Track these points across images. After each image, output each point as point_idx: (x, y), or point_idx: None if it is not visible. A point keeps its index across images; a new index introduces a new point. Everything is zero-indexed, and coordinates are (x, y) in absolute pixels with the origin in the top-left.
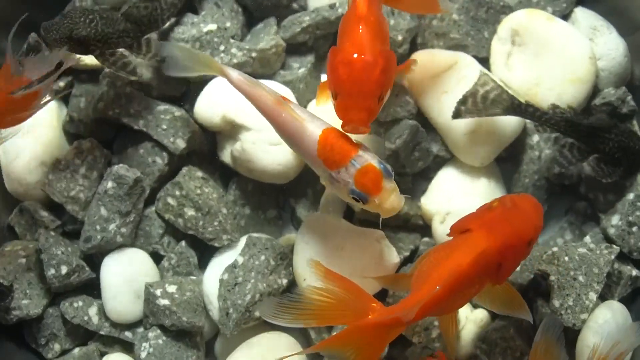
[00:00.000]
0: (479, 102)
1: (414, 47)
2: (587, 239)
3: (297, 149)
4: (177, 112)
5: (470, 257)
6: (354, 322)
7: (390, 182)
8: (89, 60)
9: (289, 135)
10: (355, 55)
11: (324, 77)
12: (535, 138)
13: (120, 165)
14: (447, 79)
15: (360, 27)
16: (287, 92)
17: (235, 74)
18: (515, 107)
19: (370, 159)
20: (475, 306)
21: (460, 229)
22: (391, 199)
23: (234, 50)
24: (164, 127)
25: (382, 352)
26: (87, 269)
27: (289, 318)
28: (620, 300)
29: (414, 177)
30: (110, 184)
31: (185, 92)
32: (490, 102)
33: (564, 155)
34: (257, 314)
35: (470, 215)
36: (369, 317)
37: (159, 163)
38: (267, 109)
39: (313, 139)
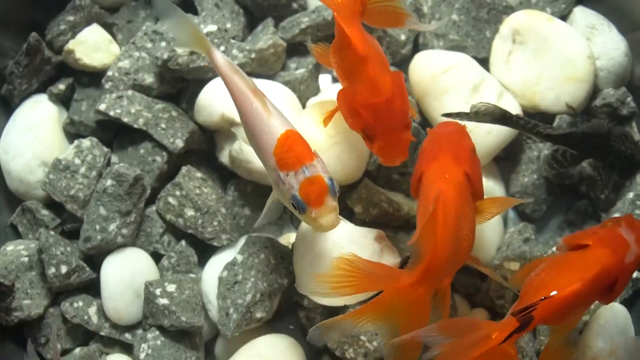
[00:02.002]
0: (471, 115)
1: (416, 47)
2: None
3: (255, 141)
4: (175, 111)
5: (446, 185)
6: (388, 285)
7: (333, 201)
8: (89, 61)
9: (253, 125)
10: (375, 97)
11: (322, 78)
12: (534, 138)
13: (121, 164)
14: (447, 79)
15: (367, 67)
16: (287, 93)
17: (220, 55)
18: (507, 118)
19: (321, 172)
20: (474, 305)
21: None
22: (328, 217)
23: (234, 52)
24: (163, 126)
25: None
26: (87, 269)
27: (327, 291)
28: (621, 302)
29: None
30: (109, 182)
31: (184, 91)
32: (482, 114)
33: (556, 159)
34: (258, 314)
35: (414, 184)
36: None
37: (159, 161)
38: (242, 95)
39: (274, 134)
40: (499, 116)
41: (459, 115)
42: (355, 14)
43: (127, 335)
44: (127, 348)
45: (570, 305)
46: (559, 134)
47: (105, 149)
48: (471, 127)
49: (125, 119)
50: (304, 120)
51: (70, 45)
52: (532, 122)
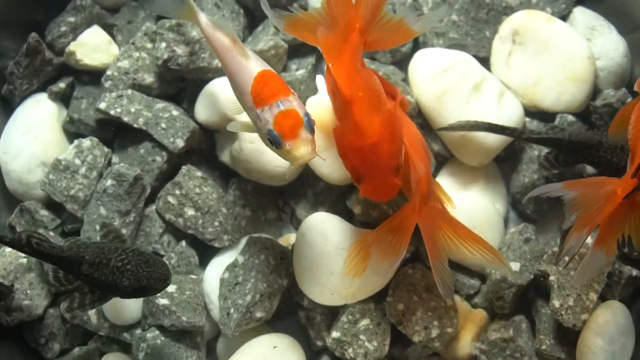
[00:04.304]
0: (463, 124)
1: (416, 45)
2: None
3: (237, 88)
4: (176, 111)
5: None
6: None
7: (307, 134)
8: (90, 61)
9: (234, 71)
10: (359, 140)
11: (319, 78)
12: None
13: (121, 164)
14: (447, 78)
15: (353, 109)
16: None
17: (204, 17)
18: (493, 128)
19: (296, 107)
20: (474, 306)
21: None
22: (302, 149)
23: None
24: (163, 126)
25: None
26: None
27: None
28: (621, 300)
29: None
30: (109, 182)
31: (185, 90)
32: (470, 126)
33: (548, 160)
34: (258, 314)
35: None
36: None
37: (159, 161)
38: (222, 48)
39: (251, 75)
40: (485, 127)
41: (452, 127)
42: (344, 50)
43: (126, 335)
44: (126, 347)
45: None
46: (543, 138)
47: (106, 149)
48: None
49: (126, 118)
50: None
51: (72, 47)
52: (518, 130)
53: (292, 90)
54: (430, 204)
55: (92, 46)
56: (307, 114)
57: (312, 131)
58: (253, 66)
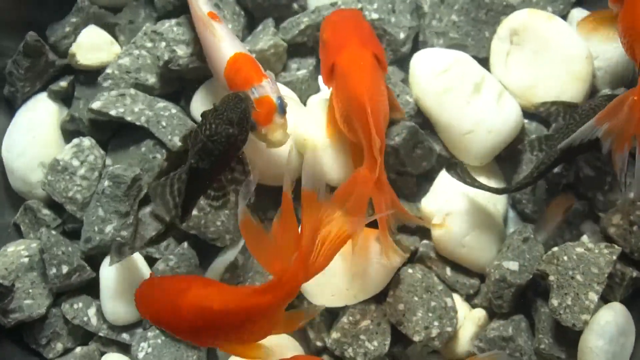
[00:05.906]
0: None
1: (415, 46)
2: (585, 238)
3: (211, 63)
4: (175, 109)
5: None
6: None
7: (281, 118)
8: (85, 61)
9: (208, 49)
10: None
11: (320, 78)
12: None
13: (117, 166)
14: (447, 78)
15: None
16: (288, 93)
17: None
18: (498, 190)
19: (269, 92)
20: (473, 306)
21: None
22: (277, 133)
23: None
24: (164, 124)
25: None
26: (87, 268)
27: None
28: (622, 301)
29: (418, 178)
30: (106, 183)
31: (183, 90)
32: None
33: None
34: None
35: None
36: None
37: (159, 159)
38: (198, 20)
39: (224, 58)
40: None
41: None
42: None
43: (125, 336)
44: (125, 348)
45: None
46: (529, 182)
47: (101, 152)
48: (472, 127)
49: (129, 118)
50: (306, 117)
51: (74, 48)
52: (508, 188)
53: (265, 72)
54: (383, 176)
55: (88, 46)
56: (279, 97)
57: (284, 113)
58: (226, 49)
